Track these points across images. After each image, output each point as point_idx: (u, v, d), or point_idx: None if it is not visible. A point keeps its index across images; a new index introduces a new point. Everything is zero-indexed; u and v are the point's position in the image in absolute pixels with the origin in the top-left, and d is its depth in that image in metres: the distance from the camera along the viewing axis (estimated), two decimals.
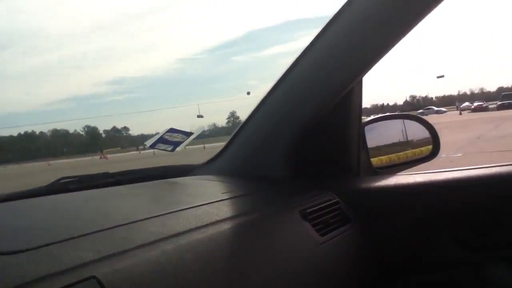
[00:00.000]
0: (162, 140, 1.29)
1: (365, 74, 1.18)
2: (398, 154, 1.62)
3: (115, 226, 0.73)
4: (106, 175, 1.28)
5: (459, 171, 1.25)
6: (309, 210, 1.05)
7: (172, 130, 1.31)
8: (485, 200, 1.18)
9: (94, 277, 0.57)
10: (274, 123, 1.25)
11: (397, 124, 1.58)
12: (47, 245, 0.62)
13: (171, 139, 1.29)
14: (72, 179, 1.22)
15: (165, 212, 0.83)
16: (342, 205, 1.18)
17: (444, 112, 48.31)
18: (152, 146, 1.30)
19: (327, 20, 1.14)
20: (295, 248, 0.94)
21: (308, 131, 1.23)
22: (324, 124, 1.25)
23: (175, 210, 0.85)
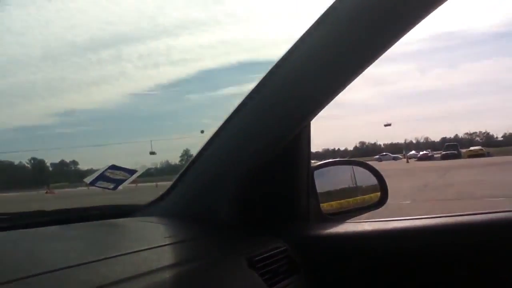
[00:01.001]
0: (102, 177, 1.23)
1: (313, 117, 1.19)
2: (348, 200, 1.62)
3: (43, 273, 0.66)
4: (41, 213, 1.20)
5: (407, 220, 1.26)
6: (257, 258, 1.00)
7: (113, 167, 1.25)
8: (434, 249, 1.19)
9: None
10: (221, 163, 1.21)
11: (346, 169, 1.59)
12: None
13: (112, 176, 1.23)
14: (3, 217, 1.13)
15: (100, 258, 0.77)
16: (291, 253, 1.14)
17: (400, 158, 50.26)
18: (92, 184, 1.23)
19: (274, 64, 1.14)
20: None
21: (256, 173, 1.20)
22: (273, 167, 1.23)
23: (111, 255, 0.79)
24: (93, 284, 0.66)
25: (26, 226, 1.06)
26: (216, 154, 1.23)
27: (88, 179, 1.25)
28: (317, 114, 1.17)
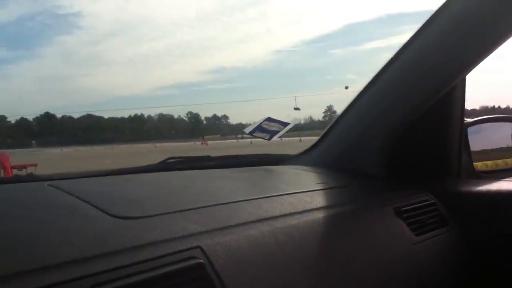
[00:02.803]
0: (260, 128, 1.36)
1: (468, 72, 1.14)
2: (506, 160, 1.53)
3: (218, 204, 0.80)
4: (208, 158, 1.39)
5: None
6: (404, 208, 1.04)
7: (269, 119, 1.37)
8: None
9: (199, 246, 0.65)
10: (371, 118, 1.24)
11: (505, 127, 1.49)
12: (158, 214, 0.71)
13: (268, 128, 1.35)
14: (178, 160, 1.34)
15: (262, 196, 0.89)
16: (440, 207, 1.15)
17: None
18: (251, 134, 1.37)
19: (430, 15, 1.11)
20: (387, 244, 0.95)
21: (405, 128, 1.21)
22: (423, 122, 1.22)
23: (271, 195, 0.90)
24: (258, 216, 0.79)
25: (197, 168, 1.25)
26: (365, 108, 1.26)
27: (247, 130, 1.40)
28: (473, 68, 1.12)
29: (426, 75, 1.14)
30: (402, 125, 1.21)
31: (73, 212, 0.68)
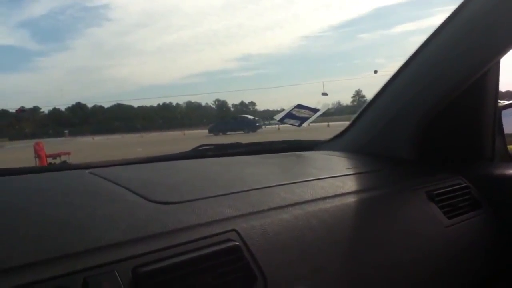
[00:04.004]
0: (289, 115, 1.37)
1: (503, 55, 1.11)
2: None
3: (251, 189, 0.82)
4: (239, 145, 1.41)
5: None
6: (437, 192, 1.04)
7: (299, 106, 1.38)
8: None
9: (235, 230, 0.68)
10: (403, 102, 1.24)
11: None
12: (195, 199, 0.74)
13: (298, 114, 1.37)
14: (210, 147, 1.37)
15: (294, 181, 0.90)
16: (473, 190, 1.14)
17: None
18: (281, 120, 1.39)
19: None
20: (419, 227, 0.96)
21: (438, 112, 1.20)
22: (456, 105, 1.21)
23: (302, 180, 0.92)
24: (291, 200, 0.81)
25: (228, 155, 1.27)
26: (397, 93, 1.25)
27: (277, 117, 1.41)
28: (508, 51, 1.09)
29: (459, 58, 1.13)
30: (434, 109, 1.20)
31: (114, 198, 0.71)
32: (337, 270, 0.75)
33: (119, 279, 0.53)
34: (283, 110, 1.45)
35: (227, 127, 32.02)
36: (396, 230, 0.90)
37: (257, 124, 33.13)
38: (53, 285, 0.49)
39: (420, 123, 1.22)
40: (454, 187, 1.10)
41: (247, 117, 37.50)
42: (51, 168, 1.08)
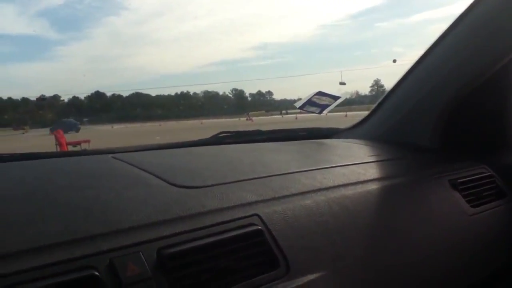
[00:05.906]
0: (310, 102, 1.36)
1: None
2: None
3: (272, 175, 0.82)
4: (259, 132, 1.41)
5: None
6: (460, 180, 1.03)
7: (320, 93, 1.37)
8: None
9: (257, 214, 0.68)
10: (425, 90, 1.22)
11: None
12: (217, 184, 0.74)
13: (319, 101, 1.35)
14: (229, 134, 1.37)
15: (315, 167, 0.90)
16: (497, 179, 1.13)
17: None
18: (301, 108, 1.38)
19: None
20: (442, 215, 0.95)
21: (460, 101, 1.18)
22: (479, 93, 1.19)
23: (323, 166, 0.92)
24: (312, 187, 0.80)
25: (248, 142, 1.27)
26: (419, 80, 1.23)
27: (297, 104, 1.40)
28: None
29: (482, 47, 1.10)
30: (457, 97, 1.17)
31: (138, 182, 0.72)
32: (358, 257, 0.75)
33: (144, 260, 0.53)
34: (299, 99, 1.43)
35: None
36: (419, 218, 0.89)
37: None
38: (80, 264, 0.50)
39: (442, 111, 1.20)
40: (478, 176, 1.09)
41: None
42: (74, 153, 1.09)
